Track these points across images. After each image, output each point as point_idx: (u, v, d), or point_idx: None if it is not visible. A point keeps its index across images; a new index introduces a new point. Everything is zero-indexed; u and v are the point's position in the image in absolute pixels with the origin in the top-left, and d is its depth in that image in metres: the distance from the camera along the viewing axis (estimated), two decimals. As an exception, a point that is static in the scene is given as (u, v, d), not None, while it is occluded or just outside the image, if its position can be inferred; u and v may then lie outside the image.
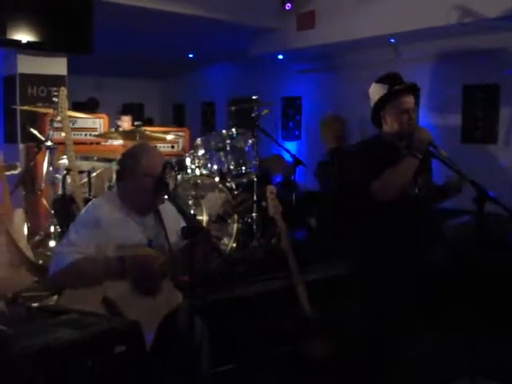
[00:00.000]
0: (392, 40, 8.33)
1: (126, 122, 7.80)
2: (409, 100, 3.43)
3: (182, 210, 3.00)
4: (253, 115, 6.10)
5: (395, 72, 3.60)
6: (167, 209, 3.28)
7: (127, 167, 3.25)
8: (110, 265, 3.04)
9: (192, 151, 5.76)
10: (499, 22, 6.87)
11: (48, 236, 5.24)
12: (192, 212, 5.02)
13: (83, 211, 3.28)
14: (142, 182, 3.16)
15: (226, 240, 5.14)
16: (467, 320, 3.33)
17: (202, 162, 5.59)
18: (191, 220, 2.92)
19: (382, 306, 3.40)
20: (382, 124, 3.49)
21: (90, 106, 9.96)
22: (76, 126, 6.37)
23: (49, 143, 5.39)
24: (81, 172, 5.28)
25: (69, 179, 5.09)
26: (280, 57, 10.08)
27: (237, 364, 4.18)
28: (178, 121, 13.06)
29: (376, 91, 3.51)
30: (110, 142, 6.54)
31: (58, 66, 7.08)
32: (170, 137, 6.32)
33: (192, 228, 2.73)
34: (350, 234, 3.71)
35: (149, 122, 10.25)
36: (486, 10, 6.74)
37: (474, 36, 7.59)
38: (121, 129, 7.01)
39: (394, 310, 3.41)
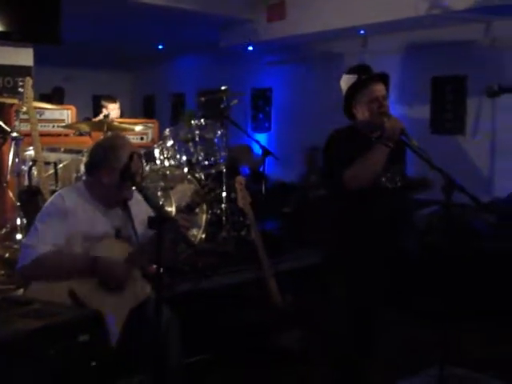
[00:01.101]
0: (361, 31, 8.37)
1: (114, 110, 7.55)
2: (378, 88, 3.42)
3: (149, 200, 2.97)
4: (222, 106, 6.08)
5: (365, 63, 3.61)
6: (135, 199, 3.25)
7: (99, 160, 3.20)
8: (79, 263, 3.01)
9: (161, 142, 5.72)
10: (467, 14, 6.93)
11: (14, 229, 5.16)
12: (160, 203, 4.98)
13: (49, 202, 3.22)
14: (115, 175, 3.12)
15: (195, 231, 5.11)
16: (437, 309, 3.35)
17: (170, 153, 5.55)
18: (158, 210, 2.89)
19: (356, 295, 3.41)
20: (355, 115, 3.49)
21: (56, 97, 9.82)
22: (43, 117, 6.29)
23: (14, 134, 5.30)
24: (47, 163, 5.20)
25: (35, 171, 5.02)
26: (250, 48, 10.07)
27: (208, 355, 4.17)
28: (147, 112, 12.98)
29: (346, 82, 3.51)
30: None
31: (24, 56, 6.98)
32: (138, 128, 6.27)
33: (158, 218, 2.70)
34: (324, 223, 3.71)
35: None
36: (455, 1, 6.80)
37: (442, 28, 7.66)
38: (110, 117, 6.84)
39: (367, 298, 3.42)
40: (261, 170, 6.56)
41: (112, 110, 7.50)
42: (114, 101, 7.69)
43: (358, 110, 3.45)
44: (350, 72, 3.53)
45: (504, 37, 7.31)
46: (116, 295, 3.05)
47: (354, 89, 3.44)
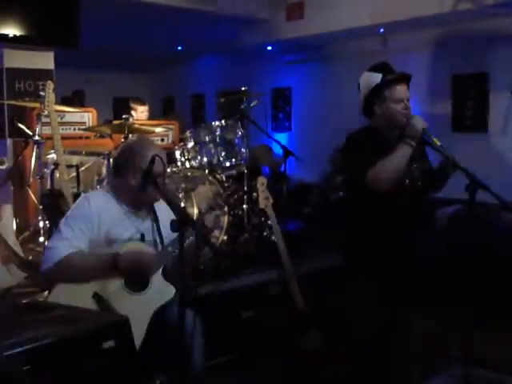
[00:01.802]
0: (381, 30, 8.32)
1: (143, 112, 7.58)
2: (403, 89, 3.39)
3: (172, 203, 2.97)
4: (242, 107, 6.07)
5: (385, 62, 3.57)
6: (161, 203, 3.25)
7: (127, 163, 3.20)
8: (104, 261, 3.02)
9: (181, 144, 5.72)
10: (496, 9, 6.84)
11: (37, 232, 5.20)
12: (182, 205, 4.98)
13: (75, 205, 3.25)
14: (139, 177, 3.13)
15: (216, 233, 5.10)
16: (459, 309, 3.33)
17: (191, 154, 5.55)
18: (181, 212, 2.89)
19: (377, 296, 3.38)
20: (374, 114, 3.46)
21: (76, 99, 9.86)
22: (64, 120, 6.31)
23: (36, 138, 5.33)
24: (69, 166, 5.23)
25: (57, 174, 5.04)
26: (269, 48, 10.05)
27: (230, 358, 4.17)
28: (167, 114, 13.00)
29: (368, 81, 3.47)
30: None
31: (45, 60, 7.02)
32: (158, 129, 6.28)
33: (181, 221, 2.70)
34: (346, 224, 3.69)
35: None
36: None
37: (464, 24, 7.58)
38: (139, 119, 6.86)
39: (389, 299, 3.40)
40: (282, 170, 6.55)
41: (141, 112, 7.56)
42: (143, 103, 7.78)
43: (379, 109, 3.41)
44: (371, 70, 3.50)
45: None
46: (140, 297, 3.06)
47: (378, 88, 3.41)
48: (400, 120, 3.33)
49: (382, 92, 3.39)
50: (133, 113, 7.52)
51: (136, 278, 3.05)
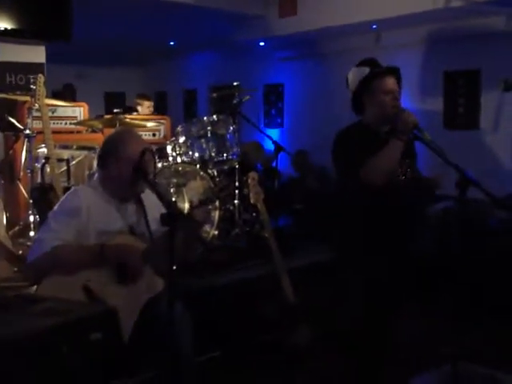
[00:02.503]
0: (374, 26, 8.32)
1: (148, 108, 7.64)
2: (391, 81, 3.41)
3: (162, 197, 2.96)
4: (234, 102, 6.06)
5: (372, 57, 3.59)
6: (149, 196, 3.25)
7: (109, 153, 3.21)
8: (91, 252, 3.01)
9: (173, 139, 5.71)
10: (487, 6, 6.86)
11: (27, 226, 5.18)
12: (173, 199, 4.98)
13: (63, 198, 3.25)
14: (124, 168, 3.13)
15: (207, 227, 5.10)
16: (450, 305, 3.33)
17: (183, 149, 5.54)
18: (171, 206, 2.88)
19: (368, 291, 3.39)
20: (364, 109, 3.47)
21: (67, 94, 9.83)
22: (56, 114, 6.29)
23: (27, 132, 5.31)
24: (60, 160, 5.21)
25: (48, 168, 5.03)
26: (262, 44, 10.03)
27: (221, 352, 4.17)
28: (159, 109, 12.98)
29: (356, 75, 3.49)
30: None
31: (36, 53, 6.98)
32: (150, 124, 6.27)
33: (171, 214, 2.69)
34: (337, 219, 3.69)
35: (130, 111, 10.15)
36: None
37: (457, 21, 7.59)
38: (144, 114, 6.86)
39: (380, 295, 3.40)
40: (273, 165, 6.54)
41: (147, 107, 7.60)
42: (148, 98, 7.91)
43: (369, 102, 3.43)
44: (359, 65, 3.52)
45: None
46: (129, 288, 3.05)
47: (367, 81, 3.42)
48: (389, 112, 3.34)
49: (370, 84, 3.40)
50: (138, 108, 7.56)
51: (125, 270, 3.04)
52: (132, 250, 3.07)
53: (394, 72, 3.47)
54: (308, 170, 7.36)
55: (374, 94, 3.39)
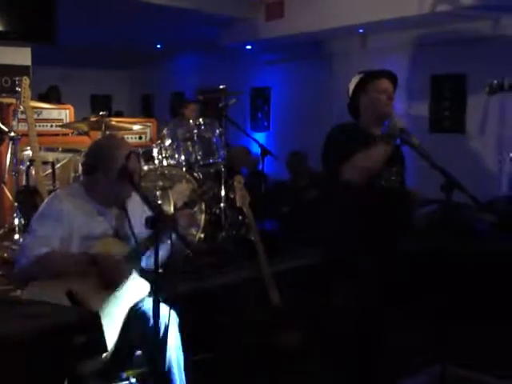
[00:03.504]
0: (360, 30, 8.35)
1: (191, 111, 7.59)
2: (387, 82, 3.47)
3: (147, 200, 2.96)
4: (220, 105, 6.06)
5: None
6: (133, 199, 3.25)
7: (97, 162, 3.19)
8: (79, 262, 3.00)
9: (159, 141, 5.69)
10: (473, 11, 6.91)
11: (12, 229, 5.14)
12: (159, 202, 4.96)
13: (45, 203, 3.23)
14: (112, 177, 3.11)
15: (194, 231, 5.09)
16: (437, 308, 3.34)
17: (169, 152, 5.52)
18: (156, 209, 2.87)
19: (358, 294, 3.39)
20: (360, 112, 3.50)
21: (52, 96, 9.79)
22: (41, 116, 6.26)
23: (12, 134, 5.28)
24: (45, 163, 5.18)
25: (33, 171, 5.00)
26: (249, 47, 10.05)
27: (207, 355, 4.16)
28: (146, 112, 12.96)
29: (354, 81, 3.56)
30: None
31: (22, 56, 6.97)
32: (136, 127, 6.25)
33: (156, 218, 2.68)
34: (323, 223, 3.69)
35: (118, 115, 10.13)
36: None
37: (443, 26, 7.64)
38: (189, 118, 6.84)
39: (368, 298, 3.40)
40: (259, 169, 6.54)
41: (192, 110, 7.55)
42: (194, 102, 7.77)
43: (364, 103, 3.46)
44: (359, 73, 3.57)
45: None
46: (115, 294, 3.04)
47: (363, 81, 3.49)
48: (384, 111, 3.37)
49: (366, 84, 3.46)
50: (185, 111, 7.53)
51: (108, 280, 3.03)
52: (119, 265, 3.05)
53: (390, 76, 3.51)
54: (303, 172, 7.34)
55: (368, 93, 3.45)
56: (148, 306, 3.04)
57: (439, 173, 3.07)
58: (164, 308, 3.02)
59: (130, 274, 3.12)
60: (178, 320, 3.18)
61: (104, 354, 2.72)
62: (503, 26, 7.35)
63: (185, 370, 3.19)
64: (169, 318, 3.07)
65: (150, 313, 2.78)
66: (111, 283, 3.03)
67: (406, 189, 3.58)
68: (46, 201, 3.25)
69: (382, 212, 3.41)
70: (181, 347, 3.15)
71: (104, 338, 2.55)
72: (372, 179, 3.30)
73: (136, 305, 3.11)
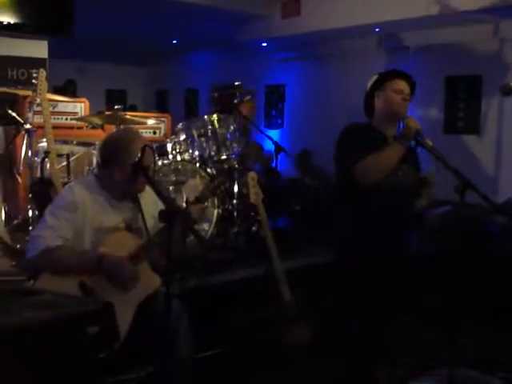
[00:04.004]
0: (377, 29, 8.33)
1: (250, 109, 7.52)
2: (404, 83, 3.45)
3: (160, 194, 2.96)
4: (235, 101, 6.07)
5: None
6: (146, 192, 3.25)
7: (112, 156, 3.19)
8: (87, 260, 3.01)
9: (173, 137, 5.71)
10: (476, 15, 6.91)
11: (26, 220, 5.17)
12: (172, 197, 4.98)
13: (59, 195, 3.25)
14: (127, 171, 3.11)
15: (206, 226, 5.10)
16: (448, 310, 3.33)
17: (183, 147, 5.55)
18: (169, 203, 2.88)
19: (368, 294, 3.39)
20: (374, 110, 3.49)
21: (68, 89, 9.83)
22: (56, 109, 6.28)
23: (27, 126, 5.31)
24: (60, 155, 5.21)
25: (47, 163, 5.03)
26: (264, 44, 10.04)
27: (218, 351, 4.17)
28: (160, 107, 12.98)
29: (372, 79, 3.55)
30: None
31: (38, 48, 6.99)
32: (150, 121, 6.26)
33: (169, 211, 2.69)
34: (336, 221, 3.69)
35: (132, 109, 10.16)
36: (464, 3, 6.78)
37: (455, 27, 7.62)
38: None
39: (378, 297, 3.40)
40: (273, 166, 6.55)
41: (250, 108, 7.51)
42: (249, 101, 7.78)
43: (379, 100, 3.45)
44: (378, 74, 3.57)
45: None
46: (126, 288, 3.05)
47: (380, 79, 3.48)
48: (399, 110, 3.36)
49: (383, 83, 3.45)
50: (241, 108, 7.51)
51: (115, 280, 3.04)
52: (126, 266, 3.04)
53: (408, 78, 3.50)
54: (308, 171, 7.36)
55: (384, 91, 3.43)
56: (159, 300, 3.05)
57: (453, 174, 3.07)
58: (175, 302, 3.03)
59: (141, 268, 3.12)
60: (188, 315, 3.19)
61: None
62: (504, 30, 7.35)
63: (194, 365, 3.20)
64: (180, 313, 3.10)
65: (161, 308, 2.79)
66: (119, 283, 3.03)
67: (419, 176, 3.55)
68: (60, 193, 3.27)
69: (393, 212, 3.41)
70: (191, 342, 3.16)
71: (117, 327, 2.57)
72: (385, 180, 3.30)
73: (147, 299, 3.12)
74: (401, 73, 3.50)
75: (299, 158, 7.63)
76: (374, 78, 3.54)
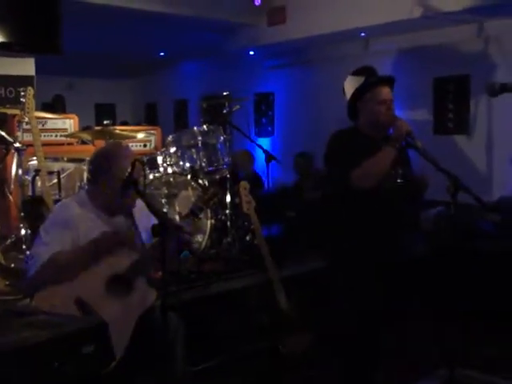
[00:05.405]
0: (362, 34, 8.36)
1: None
2: (386, 91, 3.44)
3: (152, 208, 2.96)
4: (224, 111, 6.06)
5: (370, 65, 3.62)
6: (138, 207, 3.25)
7: (100, 170, 3.20)
8: (83, 249, 3.03)
9: (164, 149, 5.70)
10: (460, 16, 6.95)
11: (19, 239, 5.15)
12: (165, 210, 4.97)
13: (53, 212, 3.26)
14: (116, 185, 3.12)
15: (199, 237, 5.09)
16: (444, 309, 3.34)
17: (173, 159, 5.53)
18: (162, 217, 2.88)
19: (363, 298, 3.39)
20: (359, 116, 3.50)
21: (57, 105, 9.82)
22: (46, 126, 6.28)
23: (17, 145, 5.29)
24: (50, 173, 5.20)
25: (38, 181, 5.02)
26: (251, 53, 10.06)
27: (215, 361, 4.16)
28: (150, 120, 12.97)
29: (352, 84, 3.53)
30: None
31: (25, 66, 7.00)
32: (140, 135, 6.26)
33: (162, 225, 2.69)
34: (328, 226, 3.70)
35: (123, 125, 10.15)
36: (447, 4, 6.82)
37: (440, 29, 7.66)
38: None
39: (374, 301, 3.40)
40: (255, 172, 6.58)
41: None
42: None
43: (363, 111, 3.46)
44: (355, 74, 3.56)
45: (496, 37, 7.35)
46: (123, 303, 3.04)
47: (361, 90, 3.45)
48: (383, 121, 3.37)
49: (365, 94, 3.43)
50: None
51: (119, 282, 3.04)
52: (118, 235, 3.10)
53: (389, 81, 3.50)
54: (310, 173, 7.33)
55: (368, 103, 3.43)
56: (156, 314, 3.04)
57: (444, 175, 3.07)
58: (172, 316, 3.03)
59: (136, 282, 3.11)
60: (184, 327, 3.18)
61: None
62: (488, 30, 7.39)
63: (192, 377, 3.19)
64: (176, 326, 3.09)
65: (158, 321, 2.79)
66: (118, 283, 3.02)
67: (412, 180, 3.56)
68: (53, 210, 3.28)
69: (389, 215, 3.42)
70: (188, 354, 3.15)
71: (112, 346, 2.56)
72: (380, 183, 3.31)
73: (144, 313, 3.11)
74: (379, 79, 3.50)
75: (298, 160, 7.60)
76: (352, 80, 3.52)
